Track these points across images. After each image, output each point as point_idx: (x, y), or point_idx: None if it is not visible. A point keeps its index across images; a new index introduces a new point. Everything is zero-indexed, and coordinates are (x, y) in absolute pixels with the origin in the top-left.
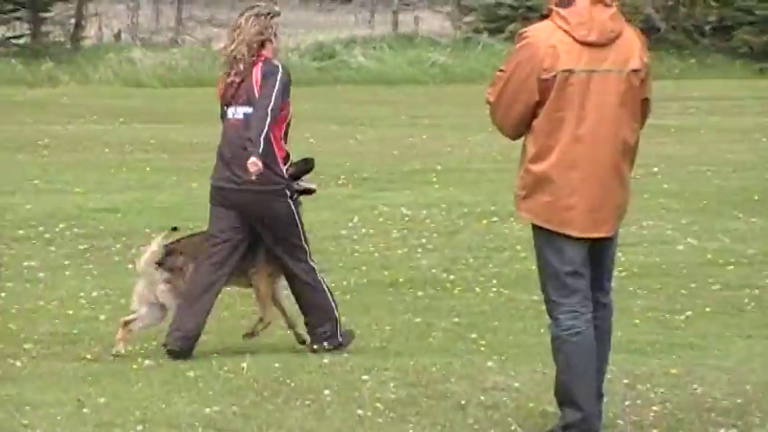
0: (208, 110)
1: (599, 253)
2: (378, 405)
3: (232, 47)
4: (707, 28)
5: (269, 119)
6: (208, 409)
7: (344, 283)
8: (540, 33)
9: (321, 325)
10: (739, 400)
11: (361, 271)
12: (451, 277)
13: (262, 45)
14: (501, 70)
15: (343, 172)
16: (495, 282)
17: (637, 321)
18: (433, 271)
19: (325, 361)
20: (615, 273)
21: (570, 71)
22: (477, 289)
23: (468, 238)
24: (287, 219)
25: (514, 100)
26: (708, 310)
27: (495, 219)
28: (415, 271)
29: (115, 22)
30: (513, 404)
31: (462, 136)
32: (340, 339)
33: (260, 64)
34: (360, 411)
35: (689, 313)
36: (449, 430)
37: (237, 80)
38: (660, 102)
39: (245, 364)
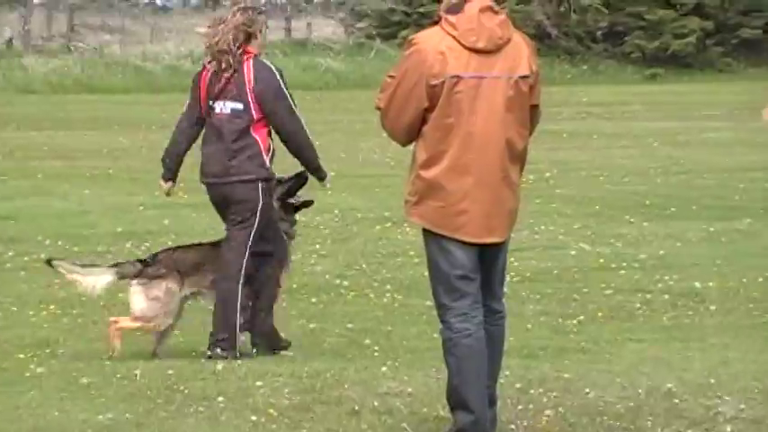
0: (100, 116)
1: (491, 258)
2: (271, 411)
3: (216, 38)
4: (598, 34)
5: (302, 119)
6: (101, 417)
7: None
8: (428, 40)
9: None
10: (631, 404)
11: None
12: (345, 283)
13: (248, 39)
14: (391, 76)
15: None
16: (388, 287)
17: (529, 326)
18: (327, 277)
19: (219, 367)
20: (508, 278)
21: (458, 77)
22: (371, 294)
23: (361, 243)
24: (251, 204)
25: (404, 106)
26: (600, 314)
27: (389, 224)
28: (309, 277)
29: (7, 29)
30: (407, 409)
31: (355, 142)
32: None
33: (250, 61)
34: (253, 417)
35: (581, 318)
36: None
37: (227, 75)
38: (553, 107)
39: (138, 371)
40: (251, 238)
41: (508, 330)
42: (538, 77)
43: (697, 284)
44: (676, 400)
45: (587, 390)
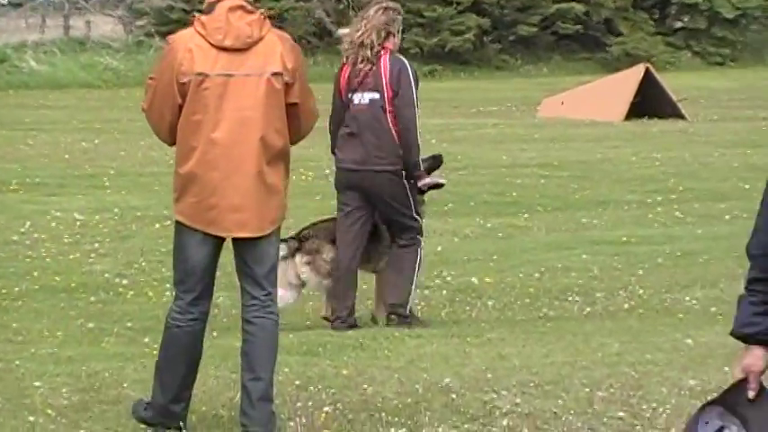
0: None
1: (251, 253)
2: (49, 411)
3: (359, 32)
4: None
5: (416, 118)
6: None
7: (16, 289)
8: (180, 39)
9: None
10: (409, 400)
11: (33, 277)
12: (125, 282)
13: (387, 37)
14: (151, 78)
15: (14, 177)
16: (168, 286)
17: (308, 323)
18: (107, 276)
19: None
20: None
21: (204, 75)
22: (150, 293)
23: (140, 242)
24: (401, 198)
25: (163, 105)
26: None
27: (168, 222)
28: (88, 276)
29: None
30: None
31: (135, 140)
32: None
33: (387, 55)
34: (31, 418)
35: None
36: None
37: (366, 68)
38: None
39: None
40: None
41: (287, 327)
42: (297, 75)
43: (474, 280)
44: (454, 395)
45: (366, 386)
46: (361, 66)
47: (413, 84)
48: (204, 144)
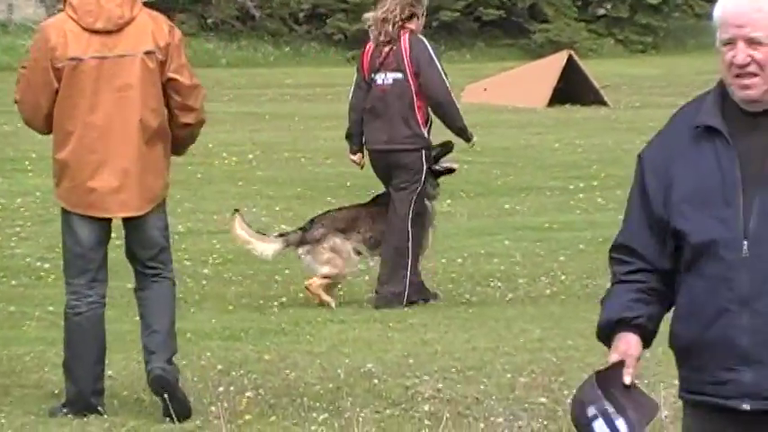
0: None
1: (138, 237)
2: None
3: (384, 8)
4: (301, 15)
5: (450, 89)
6: None
7: None
8: (53, 24)
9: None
10: (331, 385)
11: None
12: (46, 266)
13: (410, 17)
14: (23, 67)
15: None
16: None
17: (231, 308)
18: (28, 260)
19: None
20: (209, 260)
21: (78, 59)
22: None
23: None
24: (415, 171)
25: (39, 93)
26: (300, 295)
27: None
28: (9, 260)
29: None
30: (108, 392)
31: None
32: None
33: (407, 35)
34: None
35: (283, 299)
36: (43, 419)
37: (386, 46)
38: (256, 89)
39: None
40: (413, 202)
41: (209, 312)
42: (170, 51)
43: None
44: (376, 381)
45: (288, 371)
46: (382, 45)
47: (435, 59)
48: (81, 128)
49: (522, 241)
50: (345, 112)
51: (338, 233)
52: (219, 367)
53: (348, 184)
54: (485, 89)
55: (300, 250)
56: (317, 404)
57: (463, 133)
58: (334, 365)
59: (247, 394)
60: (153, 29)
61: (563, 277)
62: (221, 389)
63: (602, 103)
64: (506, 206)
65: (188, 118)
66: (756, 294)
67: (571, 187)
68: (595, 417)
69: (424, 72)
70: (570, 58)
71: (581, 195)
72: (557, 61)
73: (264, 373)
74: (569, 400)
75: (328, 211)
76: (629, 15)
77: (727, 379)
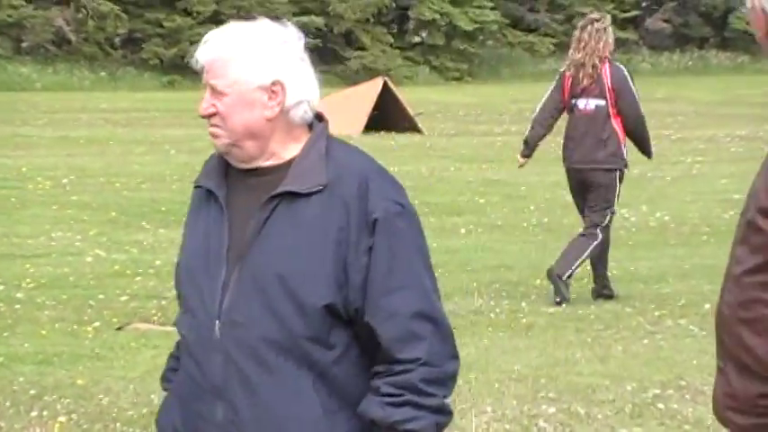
0: None
1: None
2: None
3: (579, 55)
4: (117, 40)
5: (643, 115)
6: None
7: None
8: None
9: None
10: (145, 410)
11: None
12: None
13: (604, 47)
14: None
15: None
16: None
17: (44, 332)
18: None
19: None
20: (22, 284)
21: None
22: None
23: None
24: (610, 189)
25: None
26: (115, 320)
27: None
28: None
29: None
30: None
31: None
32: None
33: (606, 64)
34: None
35: (97, 324)
36: None
37: (590, 77)
38: (70, 114)
39: None
40: (607, 219)
41: (22, 337)
42: None
43: None
44: None
45: (101, 396)
46: (585, 74)
47: (632, 87)
48: None
49: None
50: (159, 138)
51: None
52: (32, 392)
53: (163, 209)
54: None
55: None
56: (131, 429)
57: (650, 154)
58: (147, 391)
59: (60, 419)
60: None
61: None
62: (34, 413)
63: (417, 130)
64: None
65: None
66: (229, 385)
67: None
68: None
69: (623, 100)
70: (385, 85)
71: None
72: (372, 88)
73: (78, 397)
74: None
75: None
76: (445, 43)
77: None
